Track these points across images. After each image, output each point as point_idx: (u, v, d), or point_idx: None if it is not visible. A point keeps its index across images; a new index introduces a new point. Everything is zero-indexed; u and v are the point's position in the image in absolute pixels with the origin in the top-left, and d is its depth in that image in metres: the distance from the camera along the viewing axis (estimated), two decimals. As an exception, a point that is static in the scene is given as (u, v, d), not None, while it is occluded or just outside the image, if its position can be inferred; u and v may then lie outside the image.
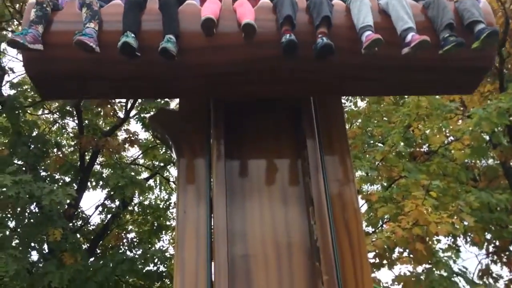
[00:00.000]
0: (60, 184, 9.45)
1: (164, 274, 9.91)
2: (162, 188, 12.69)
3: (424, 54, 3.07)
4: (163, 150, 11.28)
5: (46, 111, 11.36)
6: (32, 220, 8.54)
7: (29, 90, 10.06)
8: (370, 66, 3.24)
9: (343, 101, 12.57)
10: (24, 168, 8.91)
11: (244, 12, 3.12)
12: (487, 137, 7.69)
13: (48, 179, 9.44)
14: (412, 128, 7.81)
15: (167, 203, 12.30)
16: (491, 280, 9.18)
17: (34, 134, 9.90)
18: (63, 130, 11.67)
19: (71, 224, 9.58)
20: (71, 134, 11.56)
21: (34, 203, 8.45)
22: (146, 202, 12.34)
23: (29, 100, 10.30)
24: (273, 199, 3.68)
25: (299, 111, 3.73)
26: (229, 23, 3.20)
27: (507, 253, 9.31)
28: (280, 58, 3.10)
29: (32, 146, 9.29)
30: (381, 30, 3.05)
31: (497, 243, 9.19)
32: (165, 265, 9.86)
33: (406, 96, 10.48)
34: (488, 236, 8.84)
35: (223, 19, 3.21)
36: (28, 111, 10.49)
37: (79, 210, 10.63)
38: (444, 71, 3.42)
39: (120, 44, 2.94)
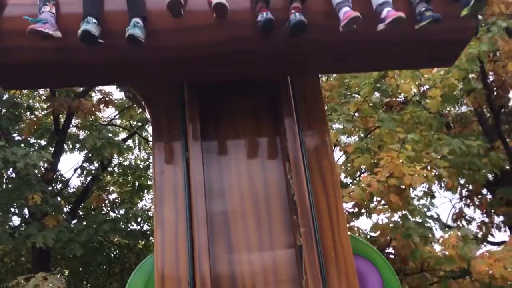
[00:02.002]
0: (35, 148, 9.32)
1: (148, 232, 10.05)
2: (142, 148, 12.63)
3: (401, 28, 2.93)
4: (140, 110, 11.15)
5: (15, 74, 10.99)
6: (10, 186, 8.46)
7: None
8: (347, 42, 3.13)
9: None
10: (-3, 134, 8.72)
11: None
12: (460, 84, 7.77)
13: (23, 144, 9.29)
14: (388, 78, 7.83)
15: (147, 162, 12.29)
16: (464, 223, 9.58)
17: (5, 97, 9.63)
18: (35, 93, 11.38)
19: (50, 188, 9.53)
20: (43, 97, 11.28)
21: (11, 169, 8.34)
22: (126, 163, 12.30)
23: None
24: (250, 156, 3.71)
25: (276, 88, 3.64)
26: (199, 1, 2.99)
27: (479, 196, 9.67)
28: (255, 38, 2.96)
29: (4, 110, 9.06)
30: (357, 3, 2.91)
31: (470, 187, 9.52)
32: (149, 224, 9.97)
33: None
34: (462, 181, 9.13)
35: None
36: (-4, 74, 10.13)
37: (58, 174, 10.55)
38: (422, 45, 3.28)
39: (80, 33, 2.71)
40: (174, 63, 3.23)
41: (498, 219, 9.63)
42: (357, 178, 8.27)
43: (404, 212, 7.00)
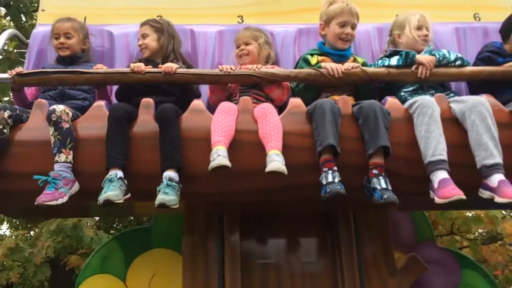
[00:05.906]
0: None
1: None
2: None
3: None
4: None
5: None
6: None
7: None
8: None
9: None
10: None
11: (268, 133, 2.32)
12: None
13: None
14: None
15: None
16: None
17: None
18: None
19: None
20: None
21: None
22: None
23: None
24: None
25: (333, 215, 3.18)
26: (249, 142, 2.38)
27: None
28: (313, 186, 2.23)
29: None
30: (452, 147, 2.28)
31: None
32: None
33: None
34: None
35: (240, 133, 2.38)
36: None
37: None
38: None
39: (101, 201, 2.19)
40: (213, 206, 2.96)
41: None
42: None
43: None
